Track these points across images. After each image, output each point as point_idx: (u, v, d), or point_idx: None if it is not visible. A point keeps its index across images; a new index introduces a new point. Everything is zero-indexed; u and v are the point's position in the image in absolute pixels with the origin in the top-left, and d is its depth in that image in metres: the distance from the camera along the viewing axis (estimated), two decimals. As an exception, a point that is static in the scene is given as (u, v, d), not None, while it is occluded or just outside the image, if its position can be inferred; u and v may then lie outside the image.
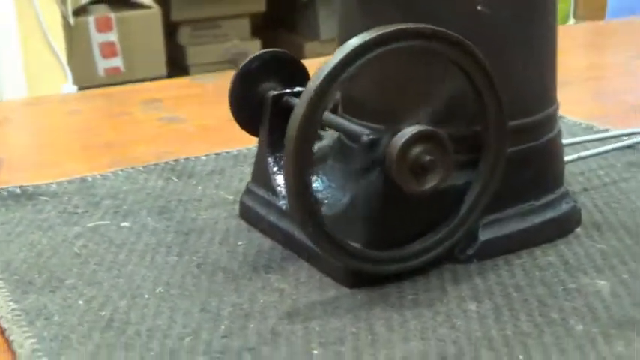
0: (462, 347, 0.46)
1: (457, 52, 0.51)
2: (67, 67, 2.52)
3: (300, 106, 0.49)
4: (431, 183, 0.51)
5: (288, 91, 0.61)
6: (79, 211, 0.66)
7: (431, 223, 0.54)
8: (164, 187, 0.70)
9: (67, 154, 0.82)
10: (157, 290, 0.54)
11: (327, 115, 0.57)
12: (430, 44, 0.50)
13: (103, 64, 2.64)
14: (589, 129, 0.78)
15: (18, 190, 0.70)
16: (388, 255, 0.53)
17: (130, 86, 1.05)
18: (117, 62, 2.65)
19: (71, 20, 2.56)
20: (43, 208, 0.67)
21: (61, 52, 2.52)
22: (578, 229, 0.59)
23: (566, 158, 0.65)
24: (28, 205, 0.67)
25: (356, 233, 0.53)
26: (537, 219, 0.57)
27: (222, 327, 0.49)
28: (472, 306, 0.50)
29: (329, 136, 0.62)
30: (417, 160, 0.50)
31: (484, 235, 0.55)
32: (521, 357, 0.45)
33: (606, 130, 0.75)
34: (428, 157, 0.50)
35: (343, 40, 0.51)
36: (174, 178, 0.71)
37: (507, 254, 0.56)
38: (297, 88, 0.61)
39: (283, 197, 0.59)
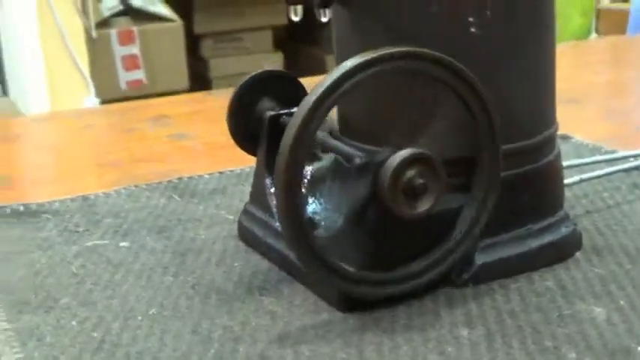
0: (452, 375, 0.46)
1: (448, 75, 0.51)
2: (89, 80, 2.53)
3: (291, 127, 0.49)
4: (423, 207, 0.50)
5: (285, 111, 0.60)
6: (80, 229, 0.66)
7: (425, 246, 0.53)
8: (165, 206, 0.70)
9: (74, 171, 0.82)
10: (150, 312, 0.53)
11: (324, 137, 0.57)
12: (421, 66, 0.50)
13: (125, 77, 2.66)
14: (596, 150, 0.77)
15: (21, 208, 0.70)
16: (381, 278, 0.52)
17: (142, 102, 1.05)
18: (139, 75, 2.66)
19: (94, 33, 2.57)
20: (44, 226, 0.67)
21: (83, 65, 2.53)
22: (578, 254, 0.58)
23: (568, 181, 0.64)
24: (30, 222, 0.68)
25: (349, 256, 0.52)
26: (535, 243, 0.56)
27: (212, 351, 0.49)
28: (464, 332, 0.50)
29: (328, 158, 0.61)
30: (410, 184, 0.50)
31: (480, 260, 0.55)
32: (510, 385, 0.45)
33: (614, 152, 0.74)
34: (420, 181, 0.50)
35: (340, 61, 0.50)
36: (176, 197, 0.71)
37: (504, 279, 0.55)
38: (295, 109, 0.61)
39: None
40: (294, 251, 0.51)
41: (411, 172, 0.50)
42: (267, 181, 0.61)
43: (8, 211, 0.70)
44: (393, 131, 0.53)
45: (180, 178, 0.75)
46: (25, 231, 0.66)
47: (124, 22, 2.68)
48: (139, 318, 0.53)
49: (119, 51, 2.64)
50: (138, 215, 0.68)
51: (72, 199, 0.72)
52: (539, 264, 0.56)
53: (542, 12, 0.55)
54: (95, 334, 0.51)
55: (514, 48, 0.54)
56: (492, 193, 0.54)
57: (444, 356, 0.48)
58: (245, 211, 0.63)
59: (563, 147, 0.78)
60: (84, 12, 2.56)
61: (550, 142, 0.58)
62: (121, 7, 2.67)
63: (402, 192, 0.50)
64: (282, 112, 0.61)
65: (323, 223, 0.57)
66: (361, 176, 0.52)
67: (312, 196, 0.60)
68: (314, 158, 0.62)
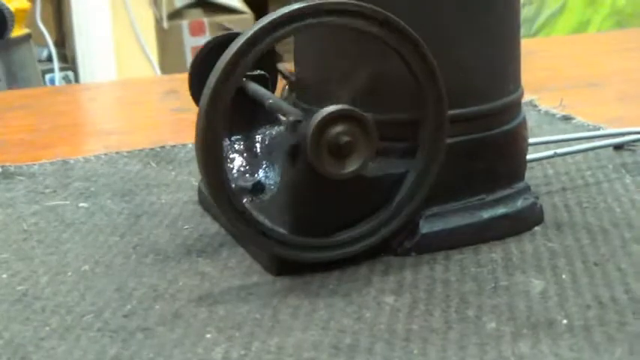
0: (359, 339, 0.44)
1: (386, 32, 0.48)
2: (158, 71, 2.56)
3: (210, 80, 0.47)
4: (351, 167, 0.48)
5: (247, 74, 0.59)
6: (47, 191, 0.66)
7: (365, 212, 0.51)
8: (139, 172, 0.69)
9: (68, 138, 0.82)
10: (83, 268, 0.53)
11: (274, 100, 0.56)
12: (355, 22, 0.48)
13: (194, 68, 2.67)
14: (595, 130, 0.73)
15: (-1, 170, 0.70)
16: (313, 243, 0.50)
17: (159, 77, 1.05)
18: (208, 66, 2.67)
19: (165, 24, 2.60)
20: (15, 187, 0.67)
21: (153, 55, 2.56)
22: (537, 228, 0.55)
23: (542, 154, 0.61)
24: (2, 183, 0.68)
25: (282, 219, 0.50)
26: (487, 214, 0.54)
27: (129, 306, 0.48)
28: (389, 299, 0.47)
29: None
30: (335, 141, 0.47)
31: (425, 229, 0.52)
32: (415, 352, 0.42)
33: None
34: (346, 139, 0.47)
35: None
36: (153, 164, 0.71)
37: (450, 249, 0.53)
38: (257, 71, 0.59)
39: (232, 180, 0.57)
40: (220, 213, 0.49)
41: (336, 129, 0.47)
42: (224, 143, 0.59)
43: (-14, 172, 0.70)
44: (338, 92, 0.51)
45: (163, 147, 0.74)
46: (-5, 191, 0.66)
47: (195, 13, 2.69)
48: (69, 274, 0.52)
49: (190, 42, 2.66)
50: (108, 180, 0.67)
51: (51, 163, 0.71)
52: (489, 236, 0.53)
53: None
54: (20, 287, 0.51)
55: (468, 6, 0.51)
56: (436, 160, 0.51)
57: (360, 321, 0.45)
58: (204, 176, 0.62)
59: (563, 127, 0.75)
60: (155, 3, 2.59)
61: (509, 109, 0.55)
62: (193, -1, 2.69)
63: (327, 149, 0.47)
64: (240, 74, 0.59)
65: (272, 187, 0.56)
66: (293, 136, 0.50)
67: (267, 160, 0.58)
68: (275, 123, 0.60)
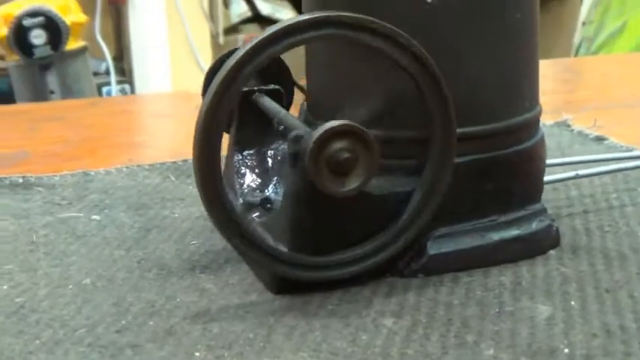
0: (350, 363, 0.42)
1: (390, 47, 0.47)
2: (213, 84, 2.56)
3: (208, 94, 0.46)
4: (351, 185, 0.47)
5: (257, 87, 0.58)
6: (63, 202, 0.65)
7: (369, 231, 0.50)
8: (157, 185, 0.68)
9: (95, 150, 0.82)
10: (84, 282, 0.52)
11: (282, 114, 0.54)
12: (357, 35, 0.47)
13: (249, 83, 2.68)
14: (627, 151, 0.71)
15: (20, 180, 0.70)
16: (314, 262, 0.49)
17: (194, 92, 1.05)
18: (263, 81, 2.68)
19: (221, 39, 2.61)
20: (32, 197, 0.67)
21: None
22: (552, 251, 0.53)
23: (563, 175, 0.59)
24: (21, 194, 0.67)
25: (284, 237, 0.49)
26: (498, 236, 0.52)
27: (123, 322, 0.47)
28: (388, 322, 0.46)
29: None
30: (335, 157, 0.46)
31: (433, 250, 0.51)
32: (406, 378, 0.41)
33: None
34: (347, 155, 0.46)
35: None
36: (172, 177, 0.70)
37: (459, 272, 0.51)
38: (272, 86, 0.59)
39: (242, 196, 0.56)
40: (215, 227, 0.48)
41: (337, 145, 0.46)
42: (237, 157, 0.58)
43: (7, 182, 0.70)
44: (344, 107, 0.50)
45: (185, 160, 0.74)
46: (12, 201, 0.66)
47: (251, 28, 2.70)
48: (70, 287, 0.51)
49: (245, 57, 2.67)
50: (126, 193, 0.67)
51: (72, 175, 0.71)
52: (501, 258, 0.52)
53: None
54: (19, 299, 0.50)
55: (475, 20, 0.50)
56: (443, 179, 0.49)
57: (354, 344, 0.44)
58: (217, 191, 0.61)
59: (595, 147, 0.73)
60: (212, 18, 2.60)
61: (525, 128, 0.53)
62: (249, 14, 2.69)
63: (327, 166, 0.46)
64: (254, 88, 0.58)
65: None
66: (295, 152, 0.49)
67: (277, 175, 0.57)
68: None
